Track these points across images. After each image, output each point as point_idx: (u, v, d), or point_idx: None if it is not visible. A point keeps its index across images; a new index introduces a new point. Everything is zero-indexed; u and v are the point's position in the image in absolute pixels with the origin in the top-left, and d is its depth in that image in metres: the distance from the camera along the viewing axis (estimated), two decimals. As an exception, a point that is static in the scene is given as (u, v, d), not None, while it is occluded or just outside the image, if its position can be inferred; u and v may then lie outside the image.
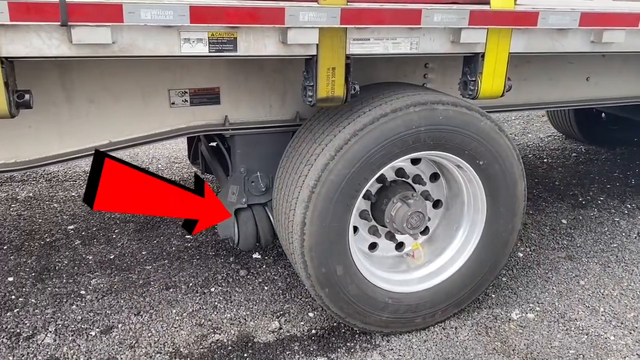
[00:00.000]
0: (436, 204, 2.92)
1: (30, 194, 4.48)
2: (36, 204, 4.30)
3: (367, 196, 2.73)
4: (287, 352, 2.65)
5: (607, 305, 3.05)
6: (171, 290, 3.14)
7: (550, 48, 2.53)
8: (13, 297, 3.05)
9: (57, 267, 3.37)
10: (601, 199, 4.53)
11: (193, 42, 2.01)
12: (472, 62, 2.46)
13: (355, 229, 2.81)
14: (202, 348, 2.67)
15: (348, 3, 2.11)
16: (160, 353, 2.63)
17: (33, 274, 3.27)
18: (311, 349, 2.68)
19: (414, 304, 2.72)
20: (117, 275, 3.29)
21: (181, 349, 2.66)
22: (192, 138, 3.92)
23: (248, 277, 3.28)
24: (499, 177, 2.64)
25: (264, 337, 2.76)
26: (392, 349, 2.69)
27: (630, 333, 2.81)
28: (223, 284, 3.20)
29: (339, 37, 2.17)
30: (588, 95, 3.58)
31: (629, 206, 4.37)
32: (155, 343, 2.70)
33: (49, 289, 3.14)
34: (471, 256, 2.78)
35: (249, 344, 2.71)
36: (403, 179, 2.77)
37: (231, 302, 3.04)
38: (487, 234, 2.75)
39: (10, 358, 2.57)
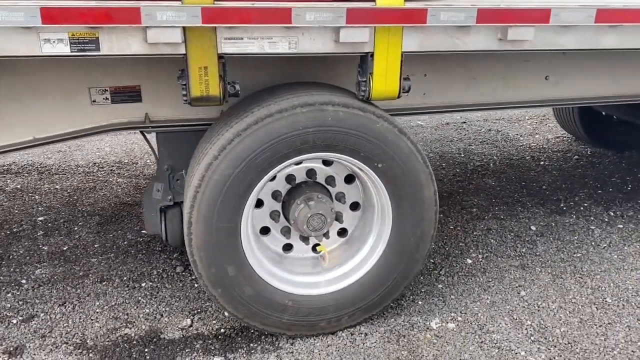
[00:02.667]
0: (355, 206, 2.85)
1: (19, 186, 4.71)
2: (19, 195, 4.52)
3: (276, 196, 2.70)
4: (186, 350, 2.67)
5: (538, 319, 2.87)
6: (104, 283, 3.22)
7: (450, 46, 2.40)
8: (-40, 283, 3.23)
9: (11, 257, 3.53)
10: (585, 205, 4.27)
11: (54, 42, 2.06)
12: (363, 62, 2.38)
13: (268, 229, 2.79)
14: (107, 341, 2.73)
15: (215, 2, 2.10)
16: (67, 344, 2.71)
17: (-14, 262, 3.45)
18: (212, 348, 2.69)
19: (317, 307, 2.67)
20: (62, 267, 3.41)
21: (88, 341, 2.73)
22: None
23: (183, 273, 3.32)
24: (401, 180, 2.54)
25: (171, 334, 2.79)
26: (292, 352, 2.65)
27: (548, 349, 2.64)
28: (155, 280, 3.26)
29: (208, 36, 2.16)
30: (548, 95, 3.38)
31: (611, 214, 4.09)
32: (66, 334, 2.78)
33: (6, 281, 3.29)
34: (379, 260, 2.69)
35: (154, 339, 2.75)
36: (314, 180, 2.72)
37: (156, 297, 3.09)
38: (394, 238, 2.65)
39: None
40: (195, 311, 2.96)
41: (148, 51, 2.15)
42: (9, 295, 3.12)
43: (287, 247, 2.84)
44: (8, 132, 2.74)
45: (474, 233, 3.81)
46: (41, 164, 5.23)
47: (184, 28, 2.12)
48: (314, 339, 2.73)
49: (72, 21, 1.99)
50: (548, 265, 3.41)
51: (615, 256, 3.53)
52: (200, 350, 2.67)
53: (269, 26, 2.18)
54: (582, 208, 4.22)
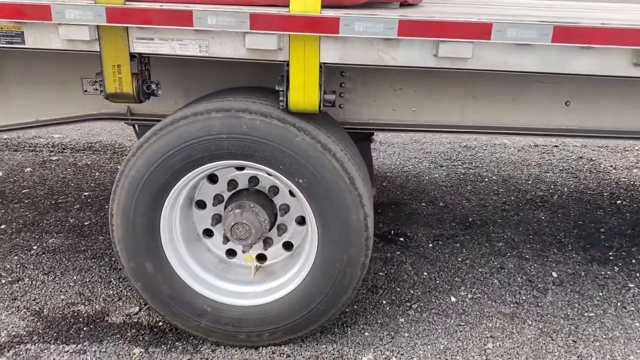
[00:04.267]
0: (303, 220, 2.72)
1: (89, 162, 5.22)
2: (84, 170, 5.01)
3: (217, 200, 2.69)
4: (116, 336, 2.77)
5: (484, 378, 2.51)
6: (94, 260, 3.46)
7: (376, 60, 2.18)
8: (-14, 240, 3.69)
9: (40, 224, 3.94)
10: (639, 257, 3.61)
11: (-15, 34, 2.25)
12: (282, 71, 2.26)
13: (212, 232, 2.79)
14: (58, 314, 2.93)
15: (126, 3, 2.14)
16: (27, 309, 2.96)
17: (19, 226, 3.88)
18: (140, 339, 2.75)
19: (237, 318, 2.60)
20: (72, 239, 3.72)
21: (44, 311, 2.96)
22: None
23: (166, 262, 3.44)
24: (324, 200, 2.37)
25: (115, 318, 2.91)
26: (207, 359, 2.62)
27: (469, 415, 2.29)
28: (138, 264, 3.41)
29: (121, 35, 2.21)
30: (570, 123, 2.92)
31: (666, 273, 3.41)
32: (32, 300, 3.04)
33: (16, 240, 3.70)
34: (305, 280, 2.54)
35: (97, 320, 2.89)
36: (255, 188, 2.65)
37: (127, 281, 3.23)
38: (320, 260, 2.49)
39: None
40: (149, 300, 3.05)
41: (67, 47, 2.26)
42: (15, 257, 3.48)
43: (232, 253, 2.81)
44: (15, 112, 3.07)
45: (480, 269, 3.42)
46: (120, 144, 5.74)
47: (97, 27, 2.20)
48: (235, 350, 2.67)
49: (-10, 15, 2.16)
50: (544, 320, 2.95)
51: (638, 324, 2.94)
52: (128, 339, 2.75)
53: (179, 28, 2.16)
54: (633, 261, 3.57)
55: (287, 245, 2.77)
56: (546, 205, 4.40)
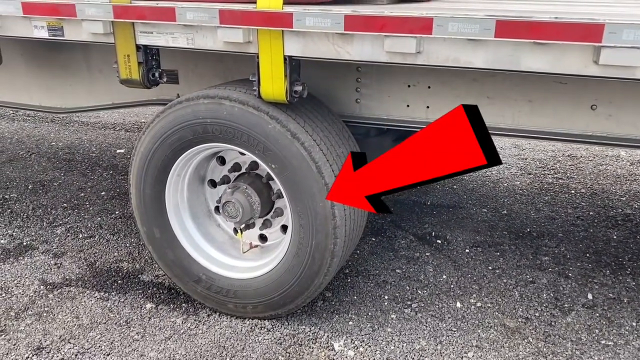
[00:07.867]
0: (299, 207, 2.88)
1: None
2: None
3: (224, 180, 2.96)
4: (139, 291, 3.18)
5: (441, 382, 2.44)
6: (155, 228, 3.95)
7: (334, 54, 2.25)
8: (87, 204, 4.40)
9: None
10: None
11: (40, 28, 2.78)
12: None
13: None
14: (106, 267, 3.44)
15: (132, 2, 2.51)
16: (85, 260, 3.52)
17: (114, 194, 4.56)
18: (156, 296, 3.14)
19: (225, 289, 2.85)
20: (148, 209, 4.27)
21: (97, 263, 3.50)
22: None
23: (211, 237, 3.81)
24: (294, 186, 2.51)
25: (146, 276, 3.34)
26: (200, 321, 2.91)
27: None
28: (187, 235, 3.83)
29: (128, 29, 2.59)
30: (595, 129, 2.69)
31: None
32: (93, 253, 3.60)
33: (107, 205, 4.36)
34: (282, 261, 2.70)
35: (130, 276, 3.34)
36: (255, 172, 2.88)
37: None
38: (294, 243, 2.63)
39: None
40: (179, 266, 3.43)
41: (92, 39, 2.69)
42: (99, 218, 4.12)
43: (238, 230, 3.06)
44: (96, 96, 3.67)
45: (506, 280, 3.25)
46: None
47: (112, 22, 2.60)
48: (226, 318, 2.92)
49: (36, 12, 2.67)
50: (548, 340, 2.74)
51: (661, 361, 2.60)
52: (147, 295, 3.15)
53: (169, 23, 2.47)
54: (699, 295, 3.11)
55: (285, 229, 2.95)
56: (627, 224, 3.95)
